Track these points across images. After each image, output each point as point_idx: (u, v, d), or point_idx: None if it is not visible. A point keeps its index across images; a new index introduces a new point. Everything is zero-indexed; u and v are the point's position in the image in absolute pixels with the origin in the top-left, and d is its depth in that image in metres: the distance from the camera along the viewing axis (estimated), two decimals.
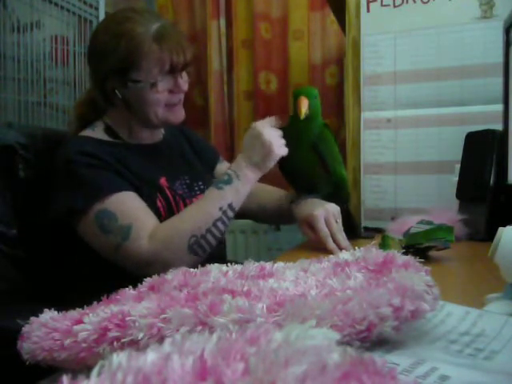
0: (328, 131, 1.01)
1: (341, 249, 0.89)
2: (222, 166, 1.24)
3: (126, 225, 0.88)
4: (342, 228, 0.95)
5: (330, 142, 1.00)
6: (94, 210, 0.89)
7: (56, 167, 0.96)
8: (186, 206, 0.99)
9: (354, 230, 1.05)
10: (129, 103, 1.00)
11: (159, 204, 0.96)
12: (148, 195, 0.95)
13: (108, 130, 1.04)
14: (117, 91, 0.98)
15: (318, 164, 0.98)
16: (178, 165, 1.10)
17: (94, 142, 0.99)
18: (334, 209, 0.96)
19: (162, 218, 0.95)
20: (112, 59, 0.95)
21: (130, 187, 0.94)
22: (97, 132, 1.03)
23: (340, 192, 1.04)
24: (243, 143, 0.95)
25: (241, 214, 1.24)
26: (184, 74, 1.01)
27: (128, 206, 0.90)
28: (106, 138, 1.02)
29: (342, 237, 0.93)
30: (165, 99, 0.99)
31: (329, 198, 1.00)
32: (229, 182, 0.91)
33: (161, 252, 0.86)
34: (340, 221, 0.96)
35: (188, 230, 0.87)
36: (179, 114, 1.03)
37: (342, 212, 1.04)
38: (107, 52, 0.96)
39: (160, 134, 1.13)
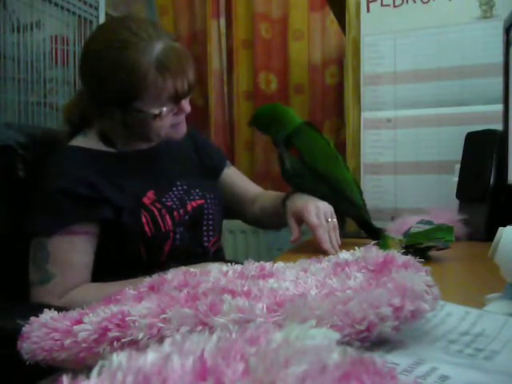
0: (308, 128, 1.03)
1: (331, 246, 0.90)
2: (229, 171, 1.19)
3: (50, 272, 0.89)
4: (336, 227, 0.94)
5: (310, 136, 1.02)
6: (40, 238, 0.90)
7: (38, 178, 0.95)
8: (172, 218, 0.96)
9: (374, 234, 1.00)
10: (130, 126, 0.96)
11: (144, 220, 0.93)
12: (131, 210, 0.93)
13: (102, 136, 0.99)
14: (116, 116, 0.94)
15: (292, 157, 1.00)
16: (175, 169, 1.05)
17: (82, 154, 0.95)
18: (325, 206, 0.95)
19: (146, 234, 0.93)
20: (111, 88, 0.90)
21: (93, 222, 0.91)
22: (89, 139, 0.98)
23: (338, 193, 1.01)
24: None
25: (247, 221, 1.23)
26: None
27: (64, 255, 0.89)
28: (98, 146, 0.98)
29: (333, 235, 0.93)
30: (169, 122, 0.95)
31: (327, 199, 0.98)
32: None
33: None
34: (334, 220, 0.95)
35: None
36: (182, 131, 1.00)
37: (358, 219, 1.06)
38: (105, 79, 0.90)
39: None
